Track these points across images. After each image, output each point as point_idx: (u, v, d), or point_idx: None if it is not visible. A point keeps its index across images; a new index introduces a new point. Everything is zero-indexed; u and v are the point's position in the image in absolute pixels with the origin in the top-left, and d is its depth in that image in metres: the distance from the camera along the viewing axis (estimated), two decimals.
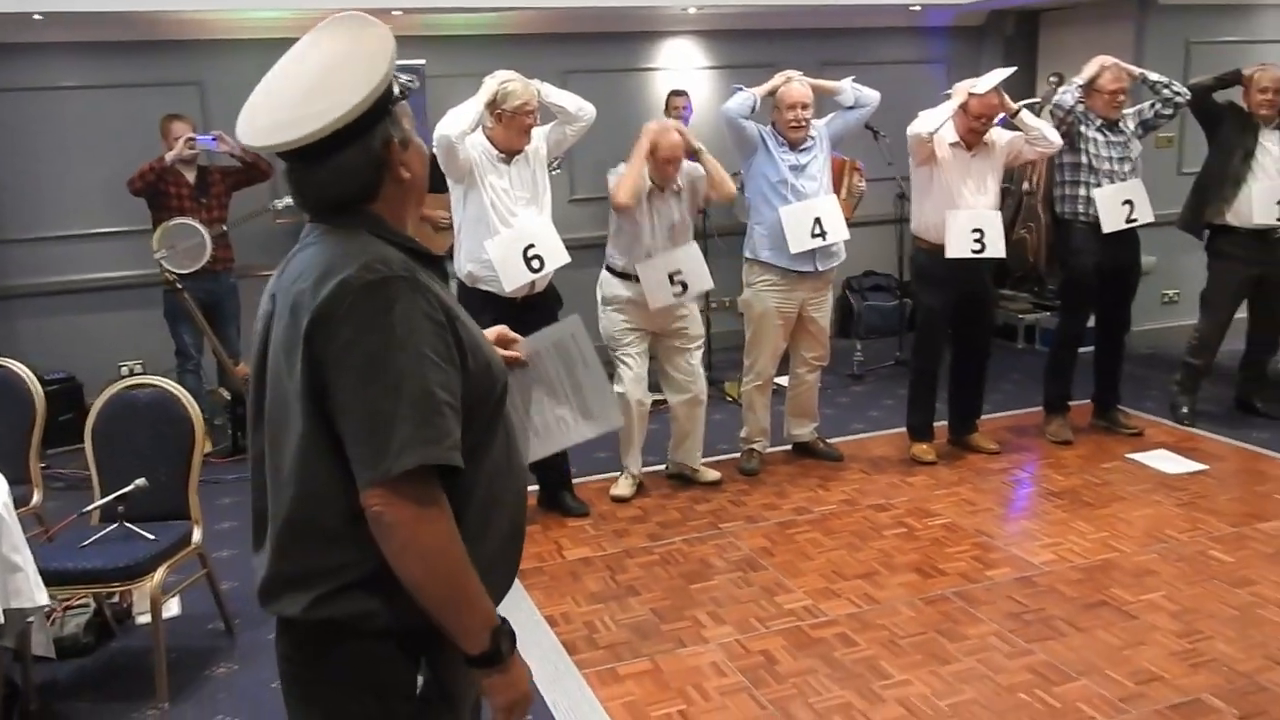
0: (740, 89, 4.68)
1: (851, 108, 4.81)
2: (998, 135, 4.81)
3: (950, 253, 4.71)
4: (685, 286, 4.51)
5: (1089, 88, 4.92)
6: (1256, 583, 3.69)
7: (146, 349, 5.88)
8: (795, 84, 4.69)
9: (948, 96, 4.75)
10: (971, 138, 4.71)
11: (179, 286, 5.09)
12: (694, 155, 4.50)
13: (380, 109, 1.47)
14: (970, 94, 4.62)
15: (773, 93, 4.72)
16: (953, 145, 4.73)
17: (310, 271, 1.44)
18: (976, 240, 4.72)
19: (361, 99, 1.42)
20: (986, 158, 4.78)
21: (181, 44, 6.04)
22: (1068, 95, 4.92)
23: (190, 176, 5.43)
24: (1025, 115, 4.79)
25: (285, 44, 1.52)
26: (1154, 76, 5.01)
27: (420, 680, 1.49)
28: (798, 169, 4.68)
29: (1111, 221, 4.92)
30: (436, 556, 1.40)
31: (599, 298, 4.64)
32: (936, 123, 4.62)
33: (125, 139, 5.75)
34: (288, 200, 5.58)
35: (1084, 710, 2.98)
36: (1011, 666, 3.22)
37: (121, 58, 5.96)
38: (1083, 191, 4.98)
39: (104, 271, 6.08)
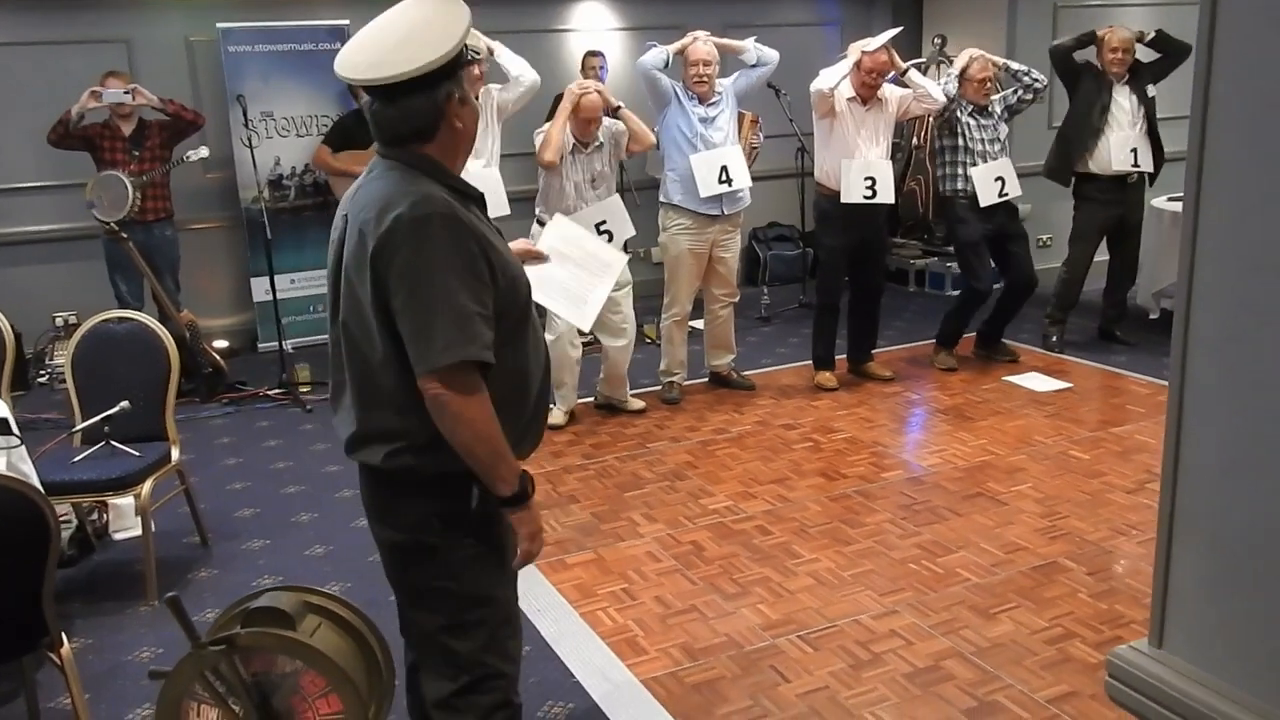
0: (654, 45, 5.11)
1: (754, 66, 5.27)
2: (890, 91, 5.32)
3: (845, 198, 5.21)
4: (611, 235, 4.92)
5: (961, 77, 5.48)
6: (1107, 474, 4.32)
7: (80, 300, 5.98)
8: (701, 43, 5.14)
9: (844, 58, 5.25)
10: (866, 92, 5.21)
11: (123, 235, 5.24)
12: (614, 112, 4.92)
13: (449, 69, 1.84)
14: (863, 52, 5.12)
15: (682, 50, 5.15)
16: (850, 100, 5.23)
17: (374, 204, 1.85)
18: (869, 187, 5.23)
19: (436, 58, 1.80)
20: (880, 111, 5.29)
21: (109, 2, 6.15)
22: (950, 86, 5.48)
23: (127, 130, 5.61)
24: (913, 74, 5.32)
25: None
26: (1015, 65, 5.63)
27: (475, 494, 1.95)
28: (706, 121, 5.13)
29: (987, 196, 5.51)
30: (478, 426, 1.85)
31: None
32: (836, 78, 5.11)
33: (55, 95, 5.83)
34: (203, 152, 5.71)
35: (961, 574, 3.53)
36: (903, 545, 3.76)
37: (50, 15, 6.05)
38: (961, 170, 5.56)
39: (35, 224, 6.19)
